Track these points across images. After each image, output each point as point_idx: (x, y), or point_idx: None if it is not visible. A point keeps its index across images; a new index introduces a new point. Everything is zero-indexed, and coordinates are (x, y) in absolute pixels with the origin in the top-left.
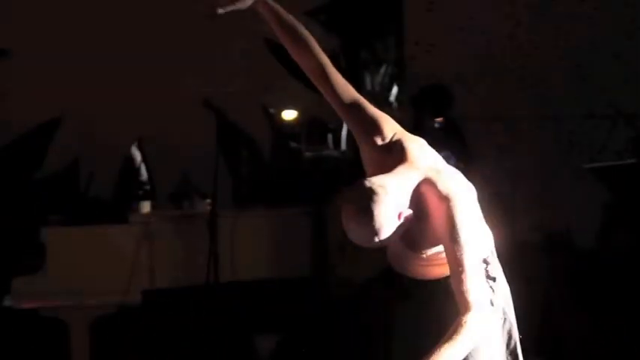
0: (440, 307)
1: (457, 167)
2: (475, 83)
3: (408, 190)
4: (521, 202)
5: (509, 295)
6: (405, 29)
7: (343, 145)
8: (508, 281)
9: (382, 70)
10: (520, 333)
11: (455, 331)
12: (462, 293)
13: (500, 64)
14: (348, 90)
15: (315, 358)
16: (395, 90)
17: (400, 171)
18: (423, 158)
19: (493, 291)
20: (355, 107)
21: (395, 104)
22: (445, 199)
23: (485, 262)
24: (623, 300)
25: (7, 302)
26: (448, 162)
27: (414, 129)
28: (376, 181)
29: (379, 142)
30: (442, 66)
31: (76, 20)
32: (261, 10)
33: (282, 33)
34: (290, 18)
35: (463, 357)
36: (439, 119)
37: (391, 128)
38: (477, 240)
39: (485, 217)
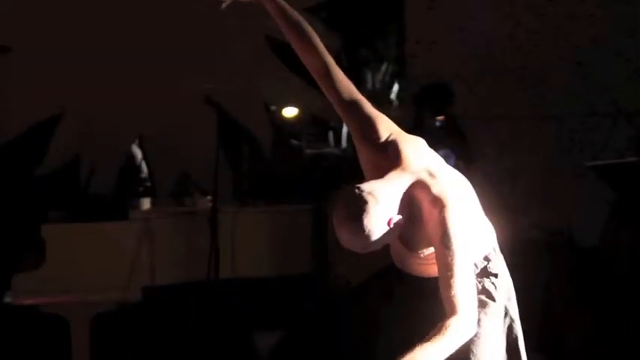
0: (438, 304)
1: (457, 166)
2: (476, 82)
3: (399, 196)
4: (521, 200)
5: (512, 290)
6: (405, 27)
7: (344, 143)
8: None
9: (383, 68)
10: (522, 328)
11: (437, 333)
12: (449, 298)
13: (500, 63)
14: (348, 88)
15: (315, 355)
16: (396, 88)
17: (392, 176)
18: (418, 160)
19: (495, 287)
20: (353, 106)
21: (396, 102)
22: (438, 204)
23: (487, 259)
24: (625, 297)
25: (8, 298)
26: (448, 161)
27: (414, 127)
28: (366, 189)
29: (374, 141)
30: (443, 64)
31: (77, 17)
32: (267, 6)
33: (287, 29)
34: (296, 14)
35: (443, 359)
36: (440, 118)
37: (387, 128)
38: (470, 244)
39: (486, 214)
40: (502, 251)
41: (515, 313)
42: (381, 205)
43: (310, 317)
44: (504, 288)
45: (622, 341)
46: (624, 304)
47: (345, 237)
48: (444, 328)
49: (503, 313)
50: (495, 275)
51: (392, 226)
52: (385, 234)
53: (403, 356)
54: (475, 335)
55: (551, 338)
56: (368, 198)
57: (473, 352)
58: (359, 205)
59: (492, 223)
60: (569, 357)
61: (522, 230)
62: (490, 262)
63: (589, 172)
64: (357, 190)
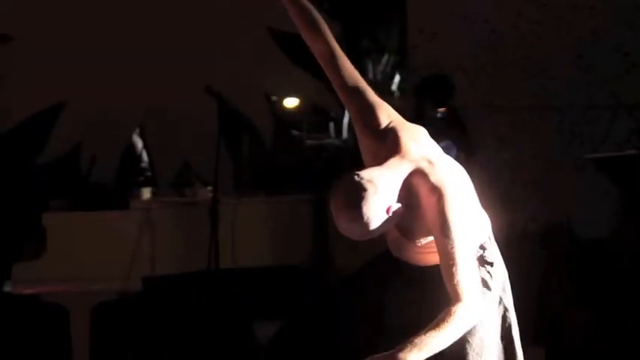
0: (435, 293)
1: (458, 157)
2: (477, 73)
3: (398, 184)
4: (521, 192)
5: (506, 279)
6: (407, 18)
7: (345, 134)
8: (507, 270)
9: (384, 59)
10: (520, 321)
11: (442, 320)
12: (453, 286)
13: (502, 54)
14: (353, 76)
15: (314, 345)
16: (397, 79)
17: (391, 164)
18: (417, 149)
19: (491, 276)
20: (356, 92)
21: (397, 93)
22: (436, 192)
23: (482, 247)
24: (626, 290)
25: (8, 288)
26: (449, 152)
27: (415, 119)
28: (365, 176)
29: (374, 128)
30: (445, 55)
31: (79, 6)
32: None
33: (296, 16)
34: (306, 2)
35: (447, 345)
36: (441, 109)
37: (387, 116)
38: (469, 232)
39: (484, 205)
40: (501, 243)
41: (509, 302)
42: (380, 193)
43: (310, 307)
44: (499, 277)
45: (622, 334)
46: (625, 297)
47: (343, 224)
48: (448, 315)
49: (498, 302)
50: (491, 264)
51: (391, 214)
52: (384, 222)
53: (408, 342)
54: None
55: (550, 332)
56: (367, 185)
57: (468, 340)
58: (358, 193)
59: (491, 215)
60: (568, 350)
61: (521, 222)
62: (486, 251)
63: (589, 164)
64: (356, 178)
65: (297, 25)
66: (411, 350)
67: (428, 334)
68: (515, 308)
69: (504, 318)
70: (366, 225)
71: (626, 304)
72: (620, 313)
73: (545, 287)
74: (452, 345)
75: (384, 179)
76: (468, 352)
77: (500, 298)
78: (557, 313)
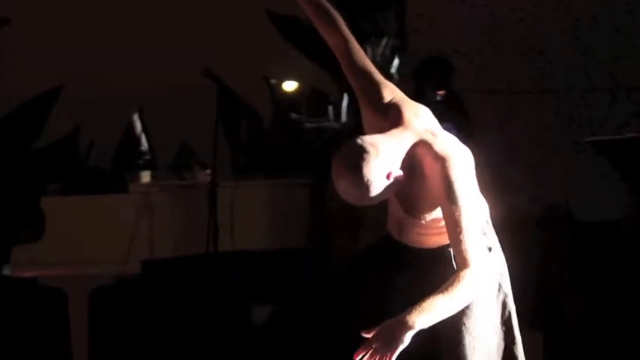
0: (436, 276)
1: (458, 138)
2: (476, 56)
3: (401, 151)
4: (520, 175)
5: (504, 265)
6: (406, 1)
7: (343, 117)
8: (506, 254)
9: (383, 42)
10: (518, 307)
11: (451, 284)
12: (461, 253)
13: (501, 37)
14: (363, 60)
15: (313, 328)
16: (396, 62)
17: (394, 133)
18: (419, 122)
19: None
20: (363, 73)
21: (396, 77)
22: (440, 159)
23: (481, 231)
24: (624, 275)
25: (7, 271)
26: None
27: (415, 101)
28: (368, 140)
29: (377, 102)
30: (444, 38)
31: None
32: None
33: (313, 14)
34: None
35: (456, 310)
36: (440, 92)
37: (390, 92)
38: (475, 200)
39: (483, 189)
40: (499, 226)
41: (508, 288)
42: (382, 158)
43: (308, 291)
44: (498, 262)
45: (620, 318)
46: (623, 281)
47: (343, 186)
48: (457, 280)
49: (497, 288)
50: (489, 249)
51: (392, 180)
52: (384, 188)
53: (416, 306)
54: (467, 308)
55: (548, 316)
56: (369, 149)
57: (464, 323)
58: (360, 155)
59: (490, 198)
60: (567, 335)
61: (520, 205)
62: (484, 236)
63: (588, 147)
64: (359, 141)
65: (314, 22)
66: (418, 313)
67: (436, 298)
68: (514, 292)
69: (504, 304)
70: (365, 188)
71: (624, 288)
72: (618, 297)
73: (543, 271)
74: (448, 328)
75: (387, 145)
76: (464, 335)
77: (500, 285)
78: (555, 298)
